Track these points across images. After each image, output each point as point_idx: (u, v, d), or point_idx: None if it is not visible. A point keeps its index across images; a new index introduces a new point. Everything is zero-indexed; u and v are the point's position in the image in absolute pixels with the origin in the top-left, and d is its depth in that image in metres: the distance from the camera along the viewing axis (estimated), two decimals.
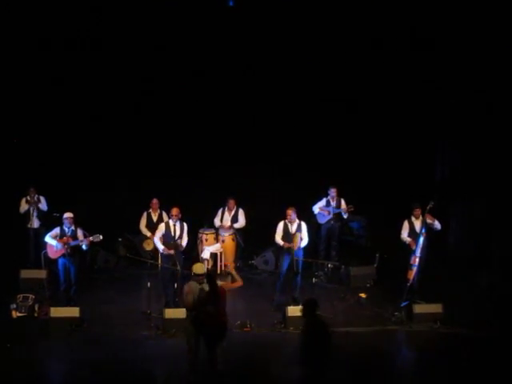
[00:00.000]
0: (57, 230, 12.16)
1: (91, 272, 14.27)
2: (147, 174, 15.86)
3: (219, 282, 9.65)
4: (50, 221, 13.44)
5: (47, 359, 10.39)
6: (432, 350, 10.76)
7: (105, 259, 14.78)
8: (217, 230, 14.90)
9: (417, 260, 12.15)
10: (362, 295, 13.08)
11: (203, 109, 16.00)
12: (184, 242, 12.39)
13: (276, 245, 12.67)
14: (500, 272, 13.48)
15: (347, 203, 14.65)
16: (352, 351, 10.63)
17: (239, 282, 9.94)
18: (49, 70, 15.07)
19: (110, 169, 15.80)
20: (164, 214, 14.49)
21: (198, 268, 9.53)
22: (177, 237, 12.27)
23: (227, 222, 14.92)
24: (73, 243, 11.99)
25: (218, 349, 9.19)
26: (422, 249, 12.21)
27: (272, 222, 12.87)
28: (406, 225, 12.57)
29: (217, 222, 15.01)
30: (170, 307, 11.68)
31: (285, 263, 12.36)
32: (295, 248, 12.12)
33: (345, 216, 14.76)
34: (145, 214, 14.77)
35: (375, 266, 14.11)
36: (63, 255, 12.03)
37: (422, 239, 12.20)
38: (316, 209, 14.77)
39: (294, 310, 11.50)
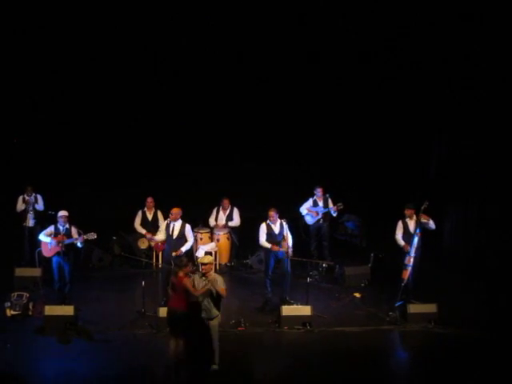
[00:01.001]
0: (51, 228, 12.18)
1: (86, 270, 14.24)
2: (142, 173, 15.88)
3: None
4: (45, 219, 13.41)
5: (41, 358, 10.35)
6: (426, 350, 10.78)
7: (99, 258, 14.76)
8: (212, 229, 14.91)
9: (411, 260, 12.15)
10: (357, 295, 13.09)
11: (197, 110, 16.02)
12: (186, 245, 12.26)
13: (262, 247, 12.65)
14: (495, 270, 13.53)
15: (335, 202, 14.63)
16: (346, 351, 10.66)
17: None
18: (48, 69, 15.08)
19: (106, 168, 15.80)
20: (159, 213, 14.51)
21: (204, 258, 9.78)
22: (175, 237, 12.24)
23: (222, 221, 14.93)
24: (67, 241, 12.00)
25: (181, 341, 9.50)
26: (417, 249, 12.21)
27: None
28: (400, 225, 12.57)
29: (211, 221, 15.01)
30: (164, 306, 11.65)
31: (271, 264, 12.37)
32: (289, 252, 12.10)
33: (334, 215, 14.70)
34: (139, 213, 14.75)
35: (370, 265, 14.11)
36: (57, 253, 12.03)
37: (416, 239, 12.20)
38: (303, 210, 14.73)
39: (289, 310, 11.54)
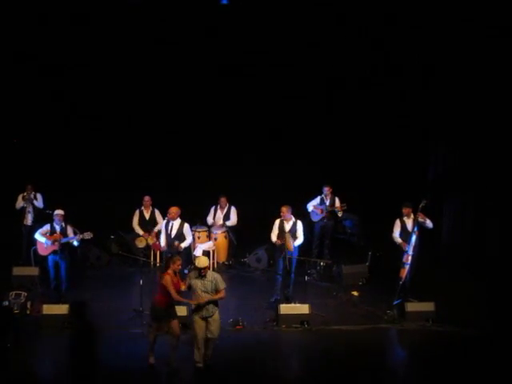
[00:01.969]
0: (47, 227, 12.24)
1: (83, 269, 14.22)
2: (140, 171, 15.86)
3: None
4: (42, 218, 13.41)
5: (40, 357, 10.34)
6: (424, 349, 10.79)
7: (97, 256, 14.75)
8: (209, 227, 14.90)
9: (409, 258, 12.15)
10: (355, 293, 13.11)
11: (195, 109, 15.98)
12: (185, 242, 12.33)
13: (271, 243, 12.67)
14: (493, 267, 13.54)
15: (342, 201, 14.67)
16: (344, 349, 10.67)
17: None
18: (48, 69, 15.06)
19: (103, 167, 15.78)
20: (156, 212, 14.51)
21: (201, 261, 9.68)
22: (173, 236, 12.24)
23: (219, 219, 14.93)
24: (63, 240, 12.05)
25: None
26: (415, 247, 12.21)
27: (265, 219, 12.90)
28: (397, 223, 12.57)
29: (209, 219, 15.02)
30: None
31: (281, 262, 12.35)
32: (290, 249, 12.13)
33: (339, 214, 14.78)
34: (137, 212, 14.74)
35: (367, 264, 14.14)
36: (54, 252, 12.06)
37: (414, 237, 12.21)
38: (310, 207, 14.80)
39: (287, 308, 11.54)
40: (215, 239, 14.76)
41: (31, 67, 14.91)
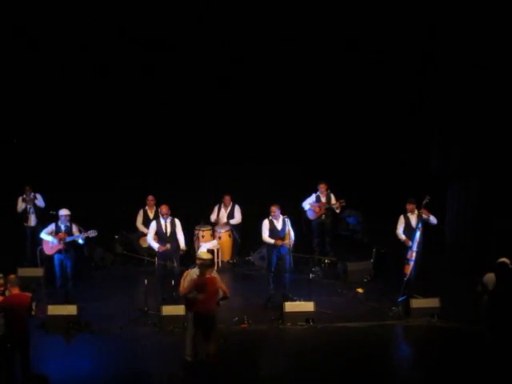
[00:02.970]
0: (52, 227, 12.30)
1: (88, 269, 14.23)
2: (144, 171, 15.86)
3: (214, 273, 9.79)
4: (46, 218, 13.42)
5: (45, 357, 10.35)
6: (429, 345, 10.79)
7: (101, 256, 14.75)
8: (213, 226, 14.91)
9: (413, 254, 12.15)
10: (359, 290, 13.09)
11: (197, 109, 15.97)
12: (181, 241, 12.38)
13: (265, 243, 12.66)
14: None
15: (338, 198, 14.65)
16: (349, 346, 10.68)
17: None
18: (48, 68, 15.04)
19: (107, 166, 15.79)
20: None
21: (204, 253, 9.79)
22: (168, 234, 12.27)
23: (223, 218, 14.95)
24: (69, 239, 12.13)
25: (210, 340, 9.41)
26: (419, 243, 12.21)
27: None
28: (401, 220, 12.57)
29: (213, 218, 15.02)
30: (166, 304, 11.67)
31: (274, 260, 12.40)
32: (290, 245, 12.14)
33: (337, 211, 14.75)
34: (141, 212, 14.76)
35: (372, 261, 14.12)
36: (59, 251, 12.11)
37: (418, 234, 12.20)
38: (306, 205, 14.77)
39: (292, 306, 11.54)
40: (219, 238, 14.77)
41: (31, 67, 14.89)
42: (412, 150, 15.45)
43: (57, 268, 12.32)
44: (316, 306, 11.55)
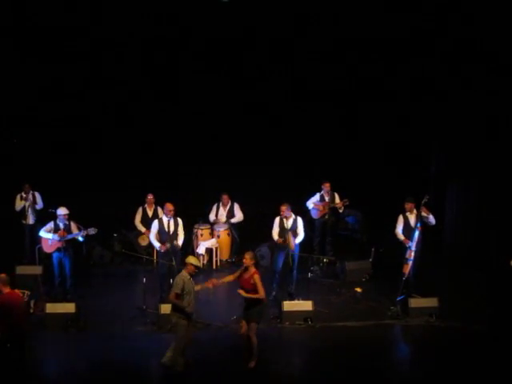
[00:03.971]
0: (51, 225, 12.33)
1: (87, 267, 14.22)
2: (143, 169, 15.84)
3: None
4: (45, 217, 13.42)
5: (43, 355, 10.35)
6: (428, 344, 10.80)
7: (100, 255, 14.75)
8: (212, 225, 14.91)
9: (412, 254, 12.15)
10: (358, 290, 13.08)
11: (197, 109, 15.96)
12: (180, 239, 12.38)
13: (273, 240, 12.70)
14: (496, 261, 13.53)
15: (341, 197, 14.66)
16: (348, 345, 10.68)
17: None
18: (48, 68, 15.04)
19: (106, 165, 15.77)
20: (159, 210, 14.48)
21: (195, 259, 9.75)
22: (171, 233, 12.26)
23: (222, 217, 14.95)
24: (68, 236, 12.14)
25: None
26: (418, 243, 12.21)
27: (268, 217, 12.90)
28: (400, 219, 12.57)
29: (211, 217, 15.03)
30: (165, 303, 11.66)
31: (279, 259, 12.40)
32: (292, 248, 12.16)
33: (340, 211, 14.78)
34: (140, 210, 14.76)
35: (371, 260, 14.12)
36: (58, 249, 12.11)
37: (417, 233, 12.21)
38: (310, 204, 14.79)
39: (290, 305, 11.54)
40: (218, 236, 14.77)
41: (31, 66, 14.89)
42: (412, 149, 15.48)
43: (55, 266, 12.33)
44: (314, 305, 11.55)
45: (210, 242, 14.60)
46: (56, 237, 12.13)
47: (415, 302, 11.76)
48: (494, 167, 14.08)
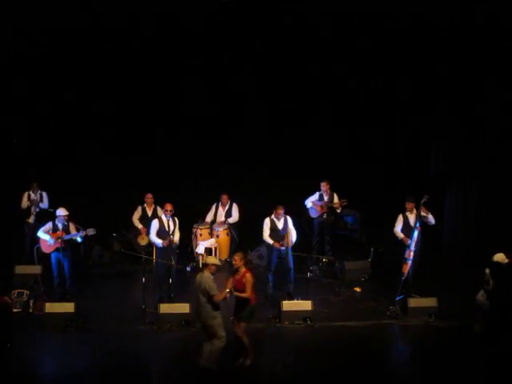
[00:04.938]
0: (49, 225, 12.32)
1: (86, 267, 14.23)
2: (142, 169, 15.84)
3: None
4: (45, 216, 13.43)
5: (42, 355, 10.36)
6: (427, 344, 10.79)
7: (99, 254, 14.76)
8: (211, 225, 14.91)
9: (411, 254, 12.16)
10: (357, 289, 13.09)
11: (197, 109, 15.97)
12: (177, 237, 12.44)
13: (264, 242, 12.67)
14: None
15: (340, 197, 14.66)
16: (347, 345, 10.68)
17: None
18: (48, 68, 15.05)
19: (106, 165, 15.78)
20: (158, 209, 14.48)
21: (214, 259, 9.95)
22: (170, 232, 12.31)
23: (221, 216, 14.95)
24: (67, 237, 12.13)
25: None
26: (417, 242, 12.22)
27: (267, 216, 12.90)
28: (400, 218, 12.58)
29: (210, 216, 15.03)
30: (164, 302, 11.68)
31: (274, 260, 12.41)
32: (289, 246, 12.16)
33: (338, 211, 14.76)
34: (139, 208, 14.77)
35: (370, 260, 14.13)
36: (57, 249, 12.10)
37: (416, 233, 12.21)
38: (308, 203, 14.79)
39: (289, 305, 11.54)
40: (217, 236, 14.78)
41: (31, 65, 14.90)
42: (412, 149, 15.49)
43: (54, 266, 12.33)
44: (314, 304, 11.55)
45: (209, 242, 14.60)
46: (51, 239, 12.12)
47: (414, 302, 11.76)
48: (494, 167, 14.08)
